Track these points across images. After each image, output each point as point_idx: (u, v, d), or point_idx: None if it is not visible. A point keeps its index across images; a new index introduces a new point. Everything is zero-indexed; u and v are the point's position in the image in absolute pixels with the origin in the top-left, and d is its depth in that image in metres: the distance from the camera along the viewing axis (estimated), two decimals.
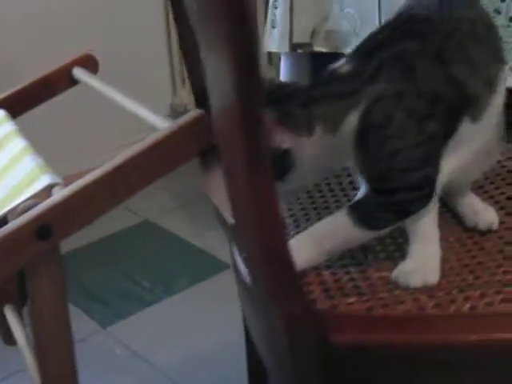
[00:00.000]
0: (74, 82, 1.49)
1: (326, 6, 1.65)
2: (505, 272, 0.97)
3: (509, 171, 1.21)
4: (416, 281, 0.94)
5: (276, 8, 1.69)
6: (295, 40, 1.68)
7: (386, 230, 0.95)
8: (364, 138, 0.92)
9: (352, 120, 0.92)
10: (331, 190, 1.17)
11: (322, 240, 0.95)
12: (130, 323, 1.93)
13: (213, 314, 1.89)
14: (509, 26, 1.37)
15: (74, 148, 2.39)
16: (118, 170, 1.00)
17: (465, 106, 0.94)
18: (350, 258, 1.01)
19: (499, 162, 1.24)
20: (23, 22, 2.26)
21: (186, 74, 2.48)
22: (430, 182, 0.94)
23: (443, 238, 1.05)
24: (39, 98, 1.48)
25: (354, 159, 0.94)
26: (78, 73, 1.47)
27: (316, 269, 0.97)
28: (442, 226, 1.08)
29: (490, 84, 0.95)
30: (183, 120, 1.01)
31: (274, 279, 0.80)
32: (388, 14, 1.45)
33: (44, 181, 1.06)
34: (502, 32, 1.31)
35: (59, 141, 2.32)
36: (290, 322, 0.82)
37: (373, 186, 0.94)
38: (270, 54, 2.36)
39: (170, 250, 2.23)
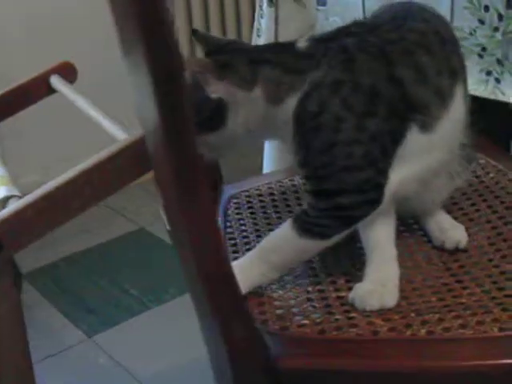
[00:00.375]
0: (51, 90, 1.48)
1: (312, 15, 1.62)
2: (470, 294, 0.93)
3: (486, 187, 1.18)
4: (372, 303, 0.90)
5: (262, 17, 1.66)
6: None
7: (334, 240, 0.92)
8: (300, 123, 0.90)
9: (292, 102, 0.90)
10: (288, 206, 1.14)
11: (270, 255, 0.92)
12: (116, 332, 1.91)
13: None
14: (493, 37, 1.34)
15: (52, 156, 2.37)
16: (72, 183, 0.97)
17: (410, 110, 0.90)
18: (309, 276, 0.98)
19: (478, 176, 1.20)
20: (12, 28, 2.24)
21: None
22: (375, 186, 0.90)
23: (412, 258, 1.02)
24: (15, 106, 1.47)
25: (291, 145, 0.91)
26: (55, 81, 1.45)
27: (271, 288, 0.94)
28: (411, 244, 1.06)
29: (442, 97, 0.92)
30: (139, 134, 0.98)
31: (213, 301, 0.77)
32: None
33: (1, 192, 1.04)
34: (486, 42, 1.29)
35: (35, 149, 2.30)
36: (232, 345, 0.78)
37: (312, 185, 0.91)
38: None
39: (162, 258, 2.21)
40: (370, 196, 0.91)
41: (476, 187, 1.17)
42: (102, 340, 1.88)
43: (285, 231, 0.92)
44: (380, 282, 0.92)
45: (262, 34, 1.67)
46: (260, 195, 1.19)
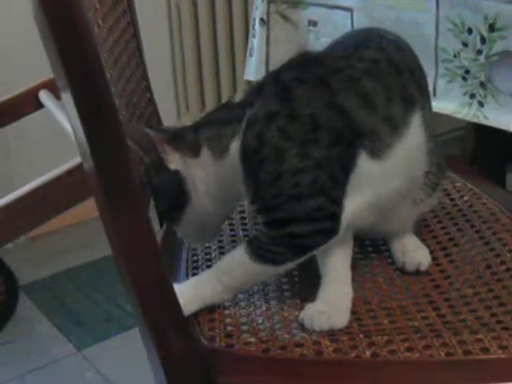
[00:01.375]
0: (40, 105, 1.50)
1: (303, 35, 1.62)
2: (424, 317, 0.92)
3: (459, 210, 1.17)
4: (321, 324, 0.90)
5: (254, 37, 1.67)
6: (271, 68, 1.65)
7: (288, 266, 0.91)
8: (245, 162, 0.89)
9: (235, 146, 0.90)
10: (256, 224, 1.14)
11: (224, 276, 0.91)
12: (106, 347, 1.91)
13: None
14: (476, 60, 1.33)
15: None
16: (32, 194, 0.98)
17: (357, 136, 0.89)
18: (264, 295, 0.98)
19: (452, 199, 1.19)
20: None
21: (190, 101, 2.47)
22: (328, 214, 0.89)
23: (373, 279, 1.01)
24: (5, 119, 1.48)
25: (243, 187, 0.91)
26: (44, 96, 1.47)
27: (224, 305, 0.94)
28: (375, 265, 1.05)
29: (393, 124, 0.91)
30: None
31: (150, 318, 0.77)
32: None
33: None
34: (469, 65, 1.28)
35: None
36: (168, 360, 0.78)
37: (264, 217, 0.90)
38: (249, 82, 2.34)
39: None
40: (324, 225, 0.89)
41: (448, 210, 1.16)
42: (91, 354, 1.88)
43: (239, 254, 0.91)
44: (331, 303, 0.91)
45: (253, 54, 1.68)
46: None
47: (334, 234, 0.89)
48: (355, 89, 0.90)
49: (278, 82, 0.90)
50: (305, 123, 0.88)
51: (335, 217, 0.89)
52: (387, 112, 0.90)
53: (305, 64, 0.93)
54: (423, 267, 1.01)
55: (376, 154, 0.90)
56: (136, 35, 1.10)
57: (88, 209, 1.10)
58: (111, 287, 2.14)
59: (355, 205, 0.90)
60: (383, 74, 0.92)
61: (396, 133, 0.91)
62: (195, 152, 0.92)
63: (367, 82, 0.90)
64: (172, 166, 0.92)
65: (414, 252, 1.02)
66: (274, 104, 0.89)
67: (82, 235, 2.36)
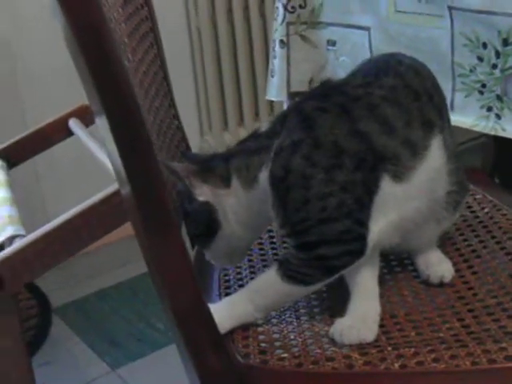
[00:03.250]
0: (70, 132, 1.55)
1: (322, 55, 1.66)
2: (449, 329, 0.96)
3: (480, 222, 1.20)
4: (351, 338, 0.93)
5: (275, 58, 1.71)
6: (293, 89, 1.69)
7: (318, 286, 0.95)
8: (273, 191, 0.93)
9: (264, 176, 0.94)
10: (284, 242, 1.17)
11: (255, 297, 0.95)
12: (140, 365, 1.95)
13: None
14: (492, 74, 1.36)
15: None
16: (69, 223, 1.02)
17: (379, 161, 0.93)
18: (294, 311, 1.01)
19: (473, 212, 1.23)
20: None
21: (212, 121, 2.51)
22: (355, 236, 0.93)
23: (399, 292, 1.05)
24: (36, 148, 1.53)
25: (272, 213, 0.95)
26: (73, 124, 1.52)
27: (256, 323, 0.98)
28: (400, 279, 1.08)
29: (413, 147, 0.95)
30: None
31: (188, 336, 0.81)
32: None
33: (8, 232, 1.10)
34: (485, 79, 1.31)
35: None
36: (206, 379, 0.82)
37: (293, 241, 0.94)
38: (272, 102, 2.39)
39: None
40: (352, 247, 0.93)
41: (470, 222, 1.19)
42: (125, 373, 1.92)
43: (270, 275, 0.95)
44: (360, 318, 0.95)
45: (275, 75, 1.72)
46: None
47: (362, 254, 0.94)
48: (375, 115, 0.94)
49: (301, 112, 0.95)
50: (328, 150, 0.92)
51: (362, 238, 0.93)
52: (407, 136, 0.94)
53: (326, 93, 0.97)
54: (447, 280, 1.04)
55: (398, 176, 0.94)
56: (163, 67, 1.15)
57: (119, 230, 1.15)
58: (143, 306, 2.19)
59: (380, 226, 0.94)
60: (401, 100, 0.96)
61: (417, 156, 0.95)
62: (225, 183, 0.96)
63: (386, 107, 0.95)
64: (200, 198, 0.96)
65: (437, 265, 1.06)
66: (297, 133, 0.93)
67: (112, 256, 2.40)
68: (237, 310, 0.96)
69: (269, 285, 0.95)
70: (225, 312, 0.95)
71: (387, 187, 0.94)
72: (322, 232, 0.92)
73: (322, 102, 0.95)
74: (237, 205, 0.96)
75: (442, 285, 1.05)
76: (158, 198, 0.77)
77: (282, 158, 0.92)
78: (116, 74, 0.72)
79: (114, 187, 1.03)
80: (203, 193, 0.96)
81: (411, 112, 0.96)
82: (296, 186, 0.92)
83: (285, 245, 1.13)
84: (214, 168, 0.97)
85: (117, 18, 0.94)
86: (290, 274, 0.93)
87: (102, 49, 0.71)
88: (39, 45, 2.20)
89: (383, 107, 0.94)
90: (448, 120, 1.03)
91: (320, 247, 0.92)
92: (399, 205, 0.95)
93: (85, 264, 2.38)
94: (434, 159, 0.97)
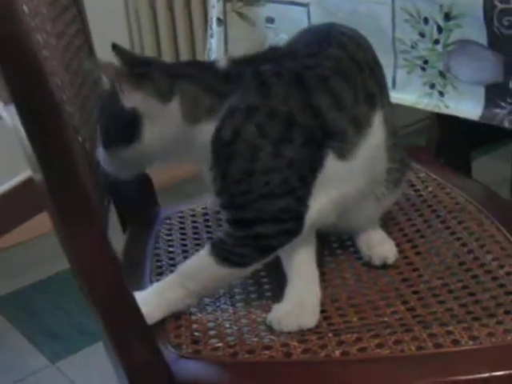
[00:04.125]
0: None
1: (261, 33, 1.61)
2: (394, 312, 0.91)
3: (424, 201, 1.16)
4: (290, 325, 0.88)
5: (212, 37, 1.65)
6: None
7: (253, 268, 0.90)
8: (216, 151, 0.87)
9: (209, 127, 0.87)
10: (220, 226, 1.12)
11: (187, 281, 0.90)
12: (80, 358, 1.88)
13: None
14: (434, 49, 1.32)
15: None
16: None
17: (326, 138, 0.88)
18: (230, 297, 0.96)
19: (417, 190, 1.19)
20: None
21: None
22: (294, 215, 0.88)
23: (340, 275, 1.00)
24: None
25: (208, 174, 0.89)
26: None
27: (190, 311, 0.92)
28: (341, 261, 1.04)
29: (358, 124, 0.90)
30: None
31: (111, 329, 0.75)
32: None
33: None
34: (427, 55, 1.27)
35: None
36: (131, 369, 0.77)
37: (229, 214, 0.89)
38: None
39: None
40: (289, 226, 0.88)
41: (413, 201, 1.15)
42: (66, 366, 1.85)
43: (202, 258, 0.89)
44: (298, 303, 0.90)
45: (212, 54, 1.66)
46: (193, 215, 1.17)
47: (298, 233, 0.88)
48: (326, 88, 0.89)
49: (258, 75, 0.88)
50: (281, 121, 0.86)
51: (300, 217, 0.88)
52: (354, 112, 0.90)
53: (279, 58, 0.92)
54: (390, 261, 1.00)
55: (342, 154, 0.89)
56: (88, 40, 1.08)
57: None
58: (83, 297, 2.11)
59: (320, 204, 0.89)
60: (347, 73, 0.91)
61: (361, 132, 0.90)
62: (164, 98, 0.87)
63: (336, 81, 0.90)
64: (127, 104, 0.87)
65: (379, 245, 1.01)
66: (253, 98, 0.87)
67: (51, 245, 2.32)
68: (167, 297, 0.90)
69: (201, 268, 0.89)
70: (153, 300, 0.90)
71: (331, 165, 0.89)
72: (261, 208, 0.86)
73: (277, 66, 0.89)
74: (168, 127, 0.88)
75: (385, 266, 1.00)
76: (73, 183, 0.70)
77: (233, 121, 0.86)
78: (26, 60, 0.66)
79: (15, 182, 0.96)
80: (132, 99, 0.87)
81: (357, 86, 0.91)
82: (242, 155, 0.86)
83: (220, 228, 1.07)
84: (154, 77, 0.88)
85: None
86: (223, 254, 0.87)
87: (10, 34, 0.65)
88: None
89: (333, 80, 0.90)
90: (387, 94, 0.99)
91: (257, 225, 0.86)
92: (340, 182, 0.90)
93: (21, 255, 2.30)
94: (376, 136, 0.92)
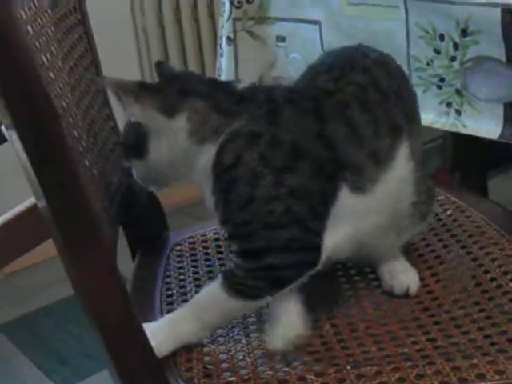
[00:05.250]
0: (4, 138, 1.43)
1: (272, 52, 1.58)
2: (414, 343, 0.87)
3: (443, 225, 1.12)
4: (278, 340, 0.85)
5: (222, 56, 1.62)
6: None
7: (267, 300, 0.86)
8: (216, 176, 0.84)
9: (211, 149, 0.84)
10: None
11: (201, 314, 0.86)
12: None
13: None
14: (450, 67, 1.28)
15: None
16: None
17: (339, 170, 0.84)
18: (243, 328, 0.92)
19: (435, 214, 1.14)
20: None
21: None
22: (306, 245, 0.84)
23: (359, 304, 0.96)
24: None
25: (210, 198, 0.86)
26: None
27: (201, 343, 0.88)
28: (359, 288, 1.00)
29: (378, 158, 0.86)
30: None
31: (118, 362, 0.71)
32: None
33: None
34: (444, 73, 1.24)
35: None
36: None
37: (237, 245, 0.85)
38: None
39: None
40: (303, 256, 0.84)
41: (432, 225, 1.11)
42: None
43: (214, 290, 0.85)
44: (280, 316, 0.87)
45: (222, 74, 1.63)
46: (204, 241, 1.14)
47: (315, 265, 0.84)
48: (344, 117, 0.85)
49: (271, 100, 0.85)
50: (285, 151, 0.83)
51: (314, 248, 0.84)
52: (374, 147, 0.85)
53: (300, 83, 0.90)
54: (412, 291, 0.96)
55: (358, 188, 0.85)
56: (95, 61, 1.05)
57: None
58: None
59: (335, 238, 0.85)
60: (370, 101, 0.87)
61: (381, 166, 0.86)
62: (170, 112, 0.85)
63: (356, 110, 0.85)
64: (131, 118, 0.86)
65: (402, 274, 0.97)
66: (259, 123, 0.84)
67: (58, 270, 2.29)
68: (179, 330, 0.86)
69: (214, 300, 0.85)
70: (165, 332, 0.86)
71: (345, 198, 0.84)
72: (268, 238, 0.83)
73: (293, 93, 0.87)
74: (173, 142, 0.86)
75: (406, 296, 0.96)
76: (78, 213, 0.67)
77: (235, 145, 0.83)
78: (23, 69, 0.63)
79: (24, 206, 0.93)
80: (135, 113, 0.85)
81: (379, 117, 0.87)
82: (242, 180, 0.82)
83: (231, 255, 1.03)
84: (164, 91, 0.86)
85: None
86: (235, 287, 0.83)
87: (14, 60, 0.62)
88: None
89: (353, 109, 0.85)
90: (418, 123, 0.95)
91: (267, 255, 0.82)
92: (357, 217, 0.86)
93: (28, 279, 2.27)
94: (400, 169, 0.88)
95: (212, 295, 0.85)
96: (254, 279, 0.83)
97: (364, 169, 0.85)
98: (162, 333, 0.85)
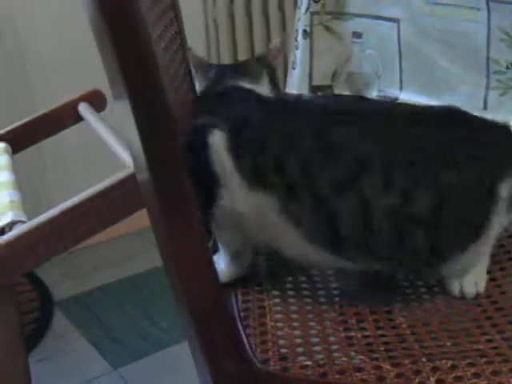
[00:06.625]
0: (80, 118, 1.47)
1: (347, 48, 1.58)
2: (488, 341, 0.87)
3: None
4: None
5: (297, 49, 1.63)
6: (315, 82, 1.61)
7: None
8: None
9: None
10: None
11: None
12: (142, 365, 1.87)
13: None
14: None
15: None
16: (76, 209, 0.94)
17: None
18: (317, 315, 0.93)
19: None
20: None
21: None
22: None
23: (431, 300, 0.97)
24: (43, 133, 1.45)
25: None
26: (83, 109, 1.44)
27: (276, 326, 0.90)
28: (432, 285, 1.00)
29: None
30: None
31: (204, 335, 0.73)
32: (409, 59, 1.39)
33: (8, 217, 1.03)
34: None
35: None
36: (221, 381, 0.74)
37: None
38: None
39: None
40: None
41: (510, 233, 1.11)
42: (127, 372, 1.84)
43: None
44: None
45: (296, 67, 1.64)
46: None
47: None
48: None
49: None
50: None
51: None
52: None
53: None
54: (481, 288, 0.96)
55: None
56: (182, 44, 1.07)
57: (126, 224, 1.07)
58: (147, 304, 2.11)
59: None
60: None
61: None
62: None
63: None
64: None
65: (471, 273, 0.97)
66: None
67: (119, 250, 2.33)
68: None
69: None
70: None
71: None
72: None
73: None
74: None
75: (478, 296, 0.96)
76: (179, 185, 0.68)
77: None
78: (144, 55, 0.65)
79: (124, 173, 0.95)
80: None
81: None
82: None
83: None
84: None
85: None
86: None
87: (131, 28, 0.64)
88: (46, 24, 2.12)
89: None
90: None
91: None
92: None
93: (89, 257, 2.31)
94: None
95: None
96: None
97: None
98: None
